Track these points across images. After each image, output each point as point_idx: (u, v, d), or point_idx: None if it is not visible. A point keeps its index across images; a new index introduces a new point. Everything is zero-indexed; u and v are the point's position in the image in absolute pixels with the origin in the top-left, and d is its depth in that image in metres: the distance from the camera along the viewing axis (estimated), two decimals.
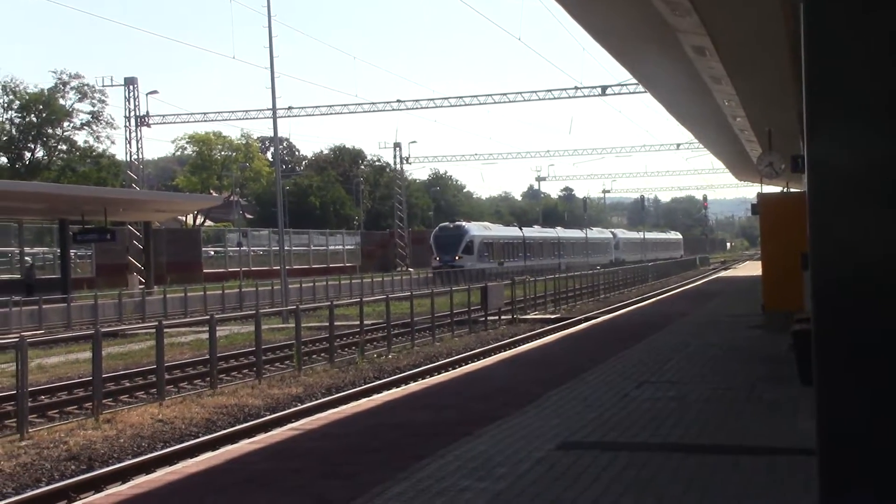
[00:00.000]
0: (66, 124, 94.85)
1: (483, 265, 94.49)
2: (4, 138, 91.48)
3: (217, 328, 25.59)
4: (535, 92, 79.38)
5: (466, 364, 26.42)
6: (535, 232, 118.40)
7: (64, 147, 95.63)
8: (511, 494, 10.11)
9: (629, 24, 22.54)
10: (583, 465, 11.31)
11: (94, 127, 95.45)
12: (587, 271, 74.85)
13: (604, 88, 75.52)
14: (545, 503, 9.79)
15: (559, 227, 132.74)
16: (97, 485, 14.34)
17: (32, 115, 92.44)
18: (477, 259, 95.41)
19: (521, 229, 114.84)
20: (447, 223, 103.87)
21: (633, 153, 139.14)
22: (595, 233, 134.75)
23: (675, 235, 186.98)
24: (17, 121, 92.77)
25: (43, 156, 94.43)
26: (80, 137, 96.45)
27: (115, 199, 58.43)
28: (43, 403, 22.11)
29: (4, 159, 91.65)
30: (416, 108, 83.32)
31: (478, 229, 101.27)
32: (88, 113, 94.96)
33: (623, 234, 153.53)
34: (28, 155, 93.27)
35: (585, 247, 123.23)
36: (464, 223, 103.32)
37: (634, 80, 47.76)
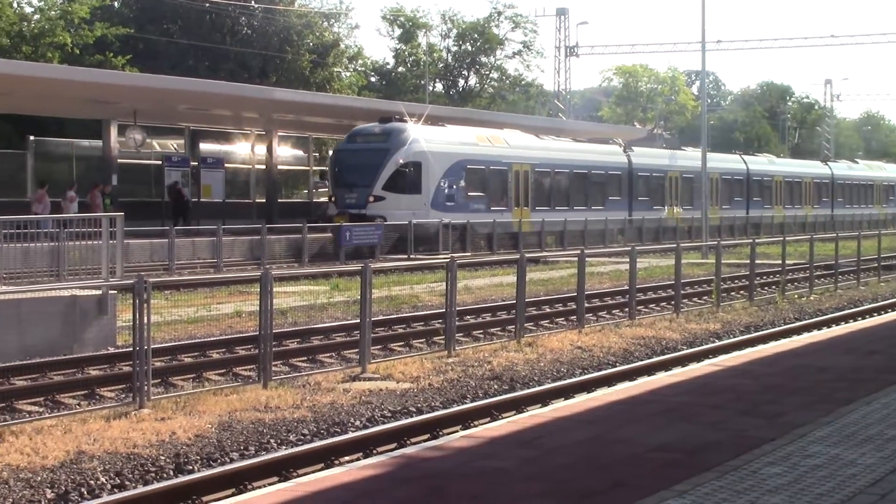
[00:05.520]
0: (498, 53, 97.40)
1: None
2: (441, 66, 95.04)
3: (636, 260, 25.72)
4: None
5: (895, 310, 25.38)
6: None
7: (495, 75, 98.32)
8: None
9: None
10: None
11: (525, 56, 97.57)
12: None
13: None
14: None
15: None
16: (518, 405, 14.80)
17: (468, 44, 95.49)
18: None
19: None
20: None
21: None
22: None
23: None
24: (453, 49, 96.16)
25: (475, 83, 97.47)
26: (511, 66, 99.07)
27: (544, 127, 60.35)
28: (468, 323, 22.97)
29: (440, 86, 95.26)
30: (851, 45, 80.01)
31: None
32: (520, 42, 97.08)
33: None
34: (462, 82, 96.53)
35: None
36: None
37: None
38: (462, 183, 48.49)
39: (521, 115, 75.44)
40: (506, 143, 51.77)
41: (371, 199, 44.59)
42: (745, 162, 73.08)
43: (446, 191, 47.52)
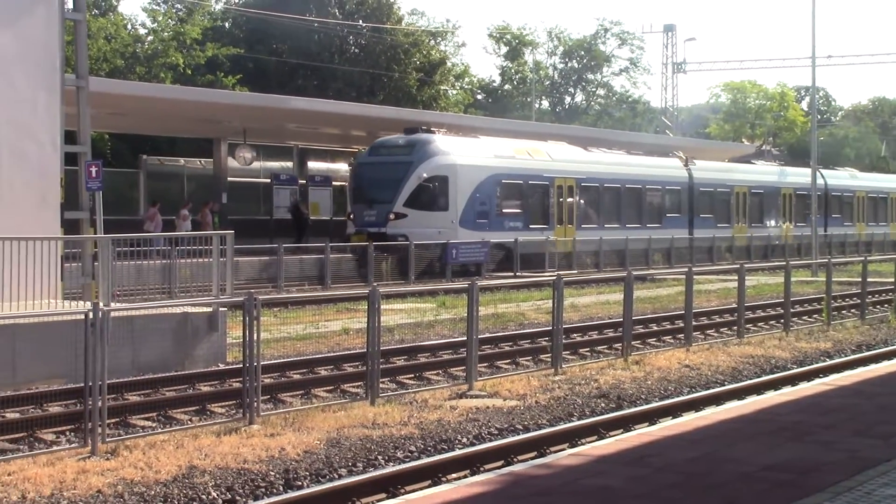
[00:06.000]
0: (605, 70, 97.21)
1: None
2: (547, 83, 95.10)
3: (745, 278, 25.44)
4: None
5: None
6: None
7: (601, 92, 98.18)
8: None
9: None
10: None
11: (632, 73, 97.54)
12: None
13: None
14: None
15: None
16: (625, 424, 14.71)
17: (574, 61, 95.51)
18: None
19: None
20: None
21: None
22: None
23: None
24: (559, 66, 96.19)
25: (581, 100, 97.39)
26: (617, 83, 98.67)
27: (651, 144, 60.11)
28: (575, 341, 22.91)
29: (546, 103, 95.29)
30: None
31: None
32: (627, 59, 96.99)
33: None
34: (568, 99, 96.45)
35: None
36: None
37: None
38: (496, 199, 44.01)
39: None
40: (547, 156, 47.22)
41: (392, 216, 40.69)
42: (822, 176, 63.96)
43: (478, 207, 43.01)
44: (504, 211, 44.43)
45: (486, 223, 43.07)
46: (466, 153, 43.06)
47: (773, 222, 61.41)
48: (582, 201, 48.70)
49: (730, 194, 58.52)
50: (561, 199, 47.21)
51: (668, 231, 52.87)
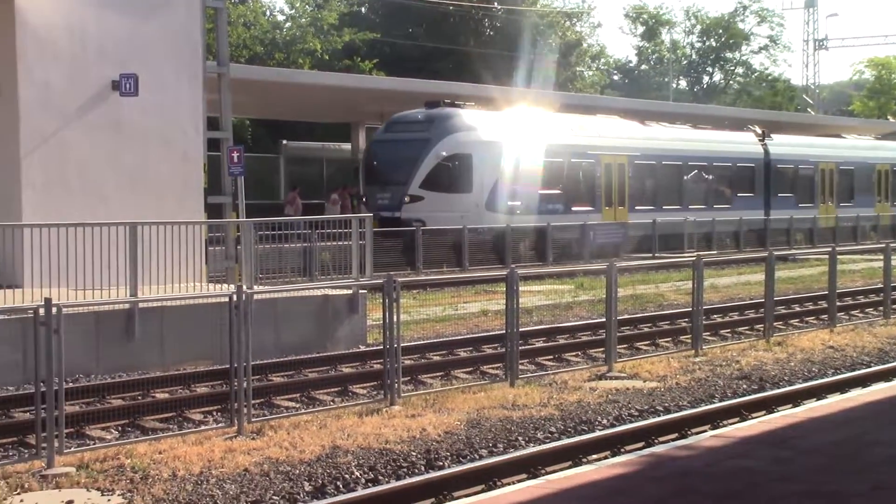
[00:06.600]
0: (743, 48, 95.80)
1: None
2: (685, 62, 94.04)
3: (892, 257, 24.86)
4: None
5: None
6: None
7: (740, 71, 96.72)
8: None
9: None
10: None
11: (771, 51, 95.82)
12: None
13: None
14: None
15: None
16: (768, 405, 14.52)
17: (712, 40, 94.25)
18: None
19: None
20: None
21: None
22: None
23: None
24: (697, 45, 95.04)
25: (720, 80, 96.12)
26: (757, 61, 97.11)
27: (787, 122, 58.39)
28: (715, 322, 22.66)
29: (684, 83, 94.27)
30: None
31: None
32: (766, 37, 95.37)
33: None
34: (706, 79, 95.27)
35: None
36: None
37: None
38: (532, 179, 39.02)
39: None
40: (595, 131, 42.46)
41: (406, 199, 36.17)
42: None
43: (508, 188, 38.09)
44: (540, 192, 39.39)
45: (518, 206, 38.48)
46: (495, 128, 38.31)
47: (866, 200, 55.66)
48: (635, 180, 43.80)
49: (814, 171, 53.41)
50: (610, 178, 42.58)
51: (739, 212, 48.05)
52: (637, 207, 43.34)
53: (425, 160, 36.37)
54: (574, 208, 40.58)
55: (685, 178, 46.25)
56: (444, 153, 36.53)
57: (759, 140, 50.71)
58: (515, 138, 38.49)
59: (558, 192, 40.15)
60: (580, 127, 42.23)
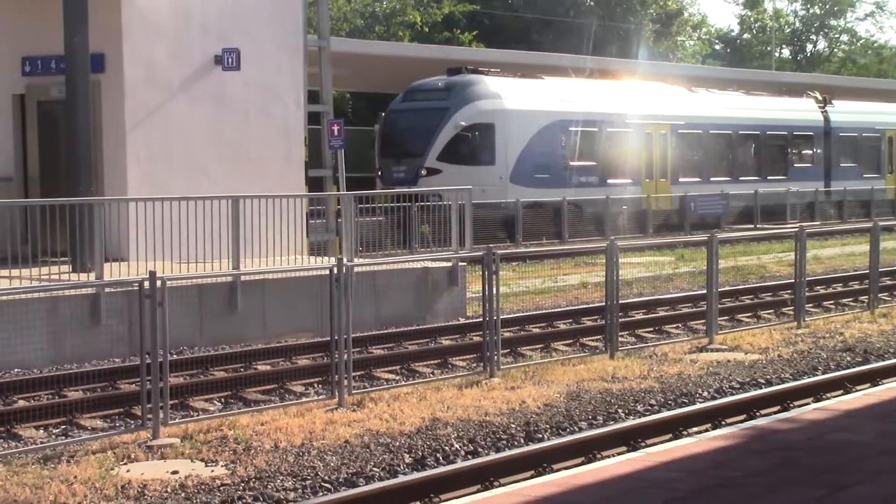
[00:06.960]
0: (849, 15, 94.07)
1: None
2: (788, 31, 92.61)
3: None
4: None
5: None
6: None
7: (845, 38, 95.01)
8: None
9: None
10: None
11: (878, 17, 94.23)
12: None
13: None
14: None
15: None
16: (873, 378, 14.31)
17: (816, 7, 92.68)
18: None
19: None
20: None
21: None
22: None
23: None
24: (800, 13, 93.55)
25: (824, 48, 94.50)
26: (862, 28, 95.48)
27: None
28: (818, 294, 22.39)
29: (787, 52, 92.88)
30: None
31: None
32: (872, 3, 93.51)
33: None
34: (809, 47, 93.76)
35: None
36: None
37: None
38: (562, 150, 36.78)
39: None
40: (635, 98, 39.82)
41: (423, 172, 33.69)
42: None
43: (537, 160, 35.88)
44: (572, 164, 37.12)
45: (547, 178, 36.28)
46: (521, 96, 36.09)
47: None
48: (679, 151, 41.25)
49: (880, 139, 50.34)
50: (651, 149, 39.93)
51: (796, 184, 45.18)
52: (680, 180, 40.85)
53: (443, 131, 34.33)
54: (610, 181, 38.22)
55: (736, 148, 44.08)
56: (462, 123, 34.34)
57: (820, 107, 48.10)
58: (544, 107, 36.42)
59: (593, 163, 37.95)
60: (619, 93, 40.09)
